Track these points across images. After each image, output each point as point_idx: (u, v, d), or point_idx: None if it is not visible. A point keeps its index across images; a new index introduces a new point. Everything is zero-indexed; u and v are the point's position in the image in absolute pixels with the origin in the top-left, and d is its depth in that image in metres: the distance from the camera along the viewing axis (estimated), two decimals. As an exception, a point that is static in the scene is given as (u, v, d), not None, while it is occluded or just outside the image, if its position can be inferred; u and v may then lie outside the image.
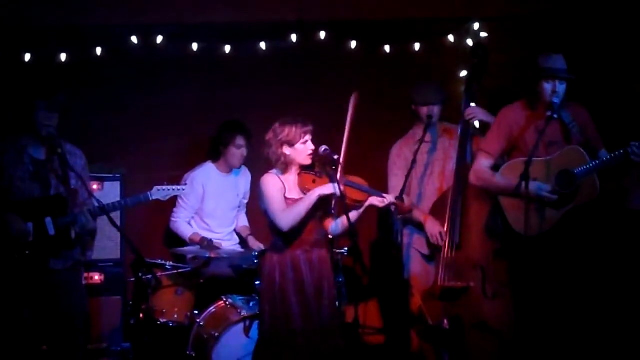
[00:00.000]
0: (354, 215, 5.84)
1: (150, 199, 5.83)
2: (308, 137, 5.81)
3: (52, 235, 5.55)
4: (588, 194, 5.88)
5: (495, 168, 6.15)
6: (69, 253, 5.65)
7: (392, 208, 5.92)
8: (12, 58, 7.28)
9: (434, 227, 6.41)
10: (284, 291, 5.78)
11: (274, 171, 5.87)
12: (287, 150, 5.80)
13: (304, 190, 5.80)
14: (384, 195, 5.87)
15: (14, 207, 5.52)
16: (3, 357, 5.53)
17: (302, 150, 5.80)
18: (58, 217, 5.57)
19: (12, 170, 5.55)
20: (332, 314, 5.83)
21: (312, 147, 5.81)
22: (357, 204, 5.86)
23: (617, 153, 5.81)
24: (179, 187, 5.94)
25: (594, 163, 5.84)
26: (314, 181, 5.82)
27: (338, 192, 5.67)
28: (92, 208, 5.62)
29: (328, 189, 5.72)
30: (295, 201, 5.78)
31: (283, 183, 5.82)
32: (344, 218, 5.78)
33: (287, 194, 5.81)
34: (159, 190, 5.85)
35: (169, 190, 5.87)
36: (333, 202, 5.85)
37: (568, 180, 5.87)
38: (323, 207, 5.85)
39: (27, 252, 5.51)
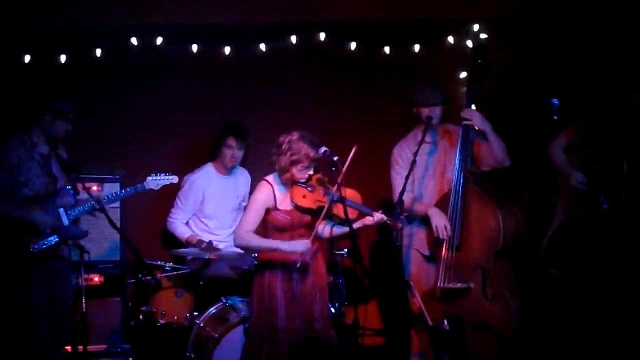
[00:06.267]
0: (341, 231, 6.01)
1: (147, 188, 6.18)
2: (313, 164, 5.88)
3: (67, 225, 5.88)
4: None
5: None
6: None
7: (388, 221, 5.93)
8: (12, 59, 7.28)
9: (439, 219, 6.37)
10: (272, 289, 5.89)
11: (273, 179, 5.94)
12: (292, 167, 5.86)
13: (294, 205, 5.87)
14: (375, 213, 5.90)
15: (33, 202, 5.81)
16: (15, 327, 5.78)
17: (303, 172, 5.87)
18: (69, 208, 5.90)
19: (27, 167, 5.84)
20: (322, 312, 5.92)
21: (312, 172, 5.88)
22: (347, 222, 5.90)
23: None
24: (169, 177, 6.27)
25: None
26: (304, 196, 5.88)
27: (307, 254, 5.81)
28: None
29: (295, 248, 5.82)
30: (285, 214, 5.88)
31: (275, 197, 5.91)
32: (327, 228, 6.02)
33: (278, 206, 5.92)
34: (152, 180, 6.21)
35: (161, 180, 6.23)
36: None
37: None
38: (315, 215, 5.89)
39: (45, 245, 5.79)
